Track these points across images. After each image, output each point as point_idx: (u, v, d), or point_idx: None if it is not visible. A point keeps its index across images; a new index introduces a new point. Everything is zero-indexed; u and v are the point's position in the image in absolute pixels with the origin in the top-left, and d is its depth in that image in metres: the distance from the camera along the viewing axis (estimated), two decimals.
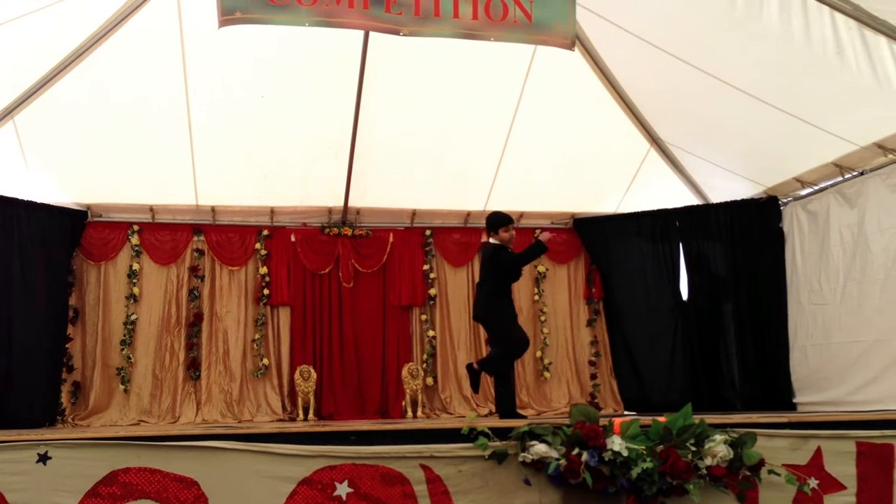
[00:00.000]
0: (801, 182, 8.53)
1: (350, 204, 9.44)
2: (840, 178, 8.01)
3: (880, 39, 6.22)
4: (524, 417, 6.84)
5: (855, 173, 7.82)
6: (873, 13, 6.04)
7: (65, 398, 8.65)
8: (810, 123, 7.40)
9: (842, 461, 4.81)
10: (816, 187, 8.42)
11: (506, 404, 6.96)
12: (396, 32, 5.80)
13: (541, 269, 9.91)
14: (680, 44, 7.33)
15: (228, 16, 5.52)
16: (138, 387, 8.90)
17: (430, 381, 9.49)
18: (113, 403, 8.82)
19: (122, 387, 8.82)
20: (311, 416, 8.96)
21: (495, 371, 7.16)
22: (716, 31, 6.94)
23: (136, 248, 9.13)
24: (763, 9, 6.42)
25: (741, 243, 9.26)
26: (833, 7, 6.15)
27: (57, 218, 8.68)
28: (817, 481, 4.76)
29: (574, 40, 6.12)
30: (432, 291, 9.74)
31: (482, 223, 9.63)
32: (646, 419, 4.60)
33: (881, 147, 7.35)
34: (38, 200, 8.47)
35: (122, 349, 8.89)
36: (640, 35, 7.43)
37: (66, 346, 8.73)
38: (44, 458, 4.25)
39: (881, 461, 4.81)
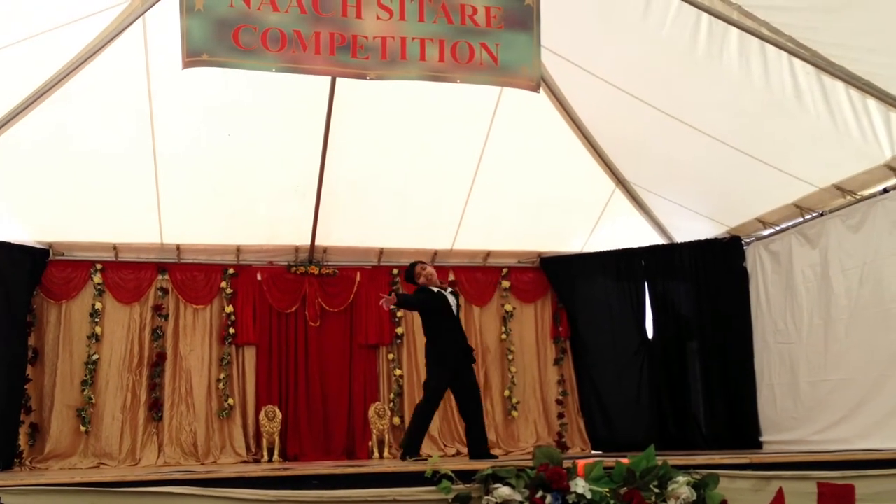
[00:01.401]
0: (763, 222, 8.66)
1: (317, 243, 9.40)
2: (801, 219, 8.14)
3: (837, 84, 6.39)
4: (494, 457, 6.81)
5: (815, 214, 7.95)
6: (830, 59, 6.20)
7: (22, 440, 8.45)
8: (771, 165, 7.54)
9: (803, 502, 4.82)
10: (778, 227, 8.54)
11: (412, 440, 6.97)
12: (364, 77, 5.81)
13: (508, 307, 9.93)
14: (644, 87, 7.44)
15: (194, 57, 5.49)
16: (98, 428, 8.72)
17: (396, 420, 9.39)
18: (73, 446, 8.63)
19: (82, 428, 8.65)
20: (276, 457, 8.82)
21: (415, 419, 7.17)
22: (678, 74, 7.08)
23: (99, 287, 9.01)
24: (723, 53, 6.57)
25: (705, 282, 9.34)
26: (791, 53, 6.30)
27: (17, 256, 8.53)
28: None
29: (539, 82, 6.18)
30: (399, 330, 9.69)
31: (450, 262, 9.79)
32: (609, 461, 4.59)
33: (840, 189, 7.49)
34: None
35: (84, 390, 8.73)
36: (605, 78, 7.54)
37: (25, 387, 8.53)
38: None
39: (842, 502, 4.82)
